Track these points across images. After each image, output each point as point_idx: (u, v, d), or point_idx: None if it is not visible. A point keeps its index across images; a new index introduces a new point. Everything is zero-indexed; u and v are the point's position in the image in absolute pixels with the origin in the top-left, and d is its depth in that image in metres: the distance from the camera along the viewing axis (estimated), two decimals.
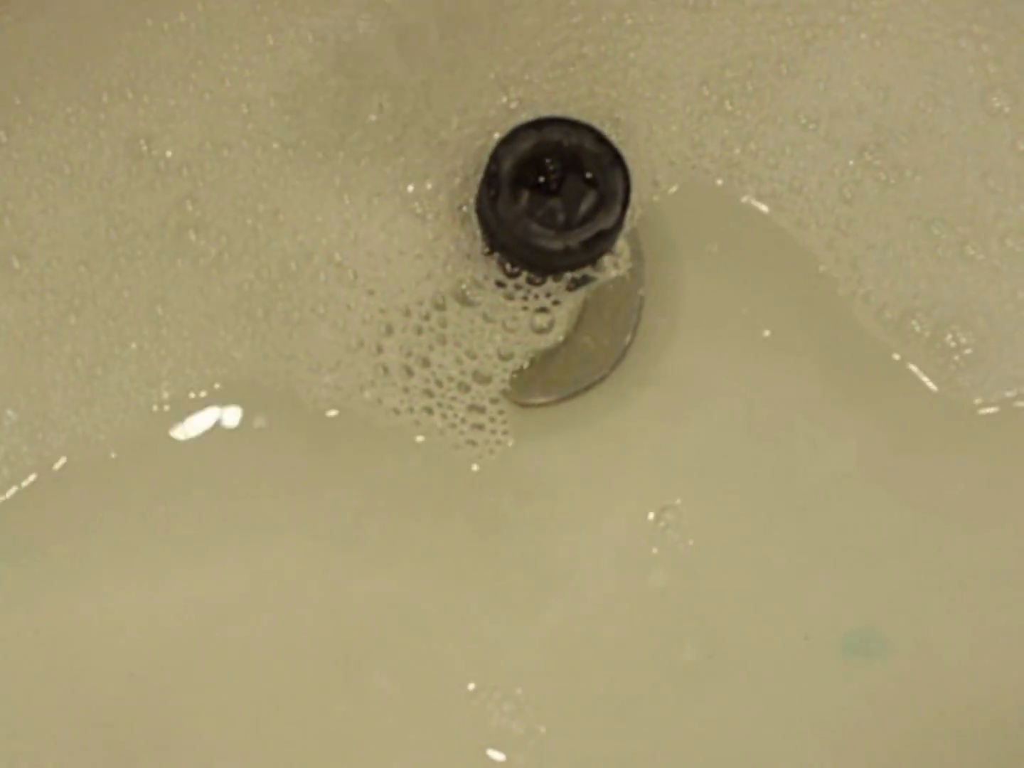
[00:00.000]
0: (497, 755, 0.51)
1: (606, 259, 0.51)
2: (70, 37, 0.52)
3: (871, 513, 0.52)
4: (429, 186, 0.52)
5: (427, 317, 0.51)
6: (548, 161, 0.48)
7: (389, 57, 0.52)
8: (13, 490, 0.50)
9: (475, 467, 0.52)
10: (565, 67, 0.53)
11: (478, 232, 0.50)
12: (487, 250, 0.51)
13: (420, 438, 0.51)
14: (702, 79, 0.53)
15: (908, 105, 0.53)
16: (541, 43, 0.53)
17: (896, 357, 0.52)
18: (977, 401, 0.52)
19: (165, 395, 0.51)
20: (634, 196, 0.49)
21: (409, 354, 0.51)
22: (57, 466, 0.50)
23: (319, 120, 0.52)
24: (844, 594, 0.52)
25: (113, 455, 0.51)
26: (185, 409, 0.51)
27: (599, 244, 0.49)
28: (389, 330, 0.51)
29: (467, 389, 0.51)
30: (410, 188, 0.51)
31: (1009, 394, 0.52)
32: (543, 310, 0.51)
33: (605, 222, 0.48)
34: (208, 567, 0.51)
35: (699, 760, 0.51)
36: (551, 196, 0.48)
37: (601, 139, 0.48)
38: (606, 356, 0.53)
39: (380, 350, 0.51)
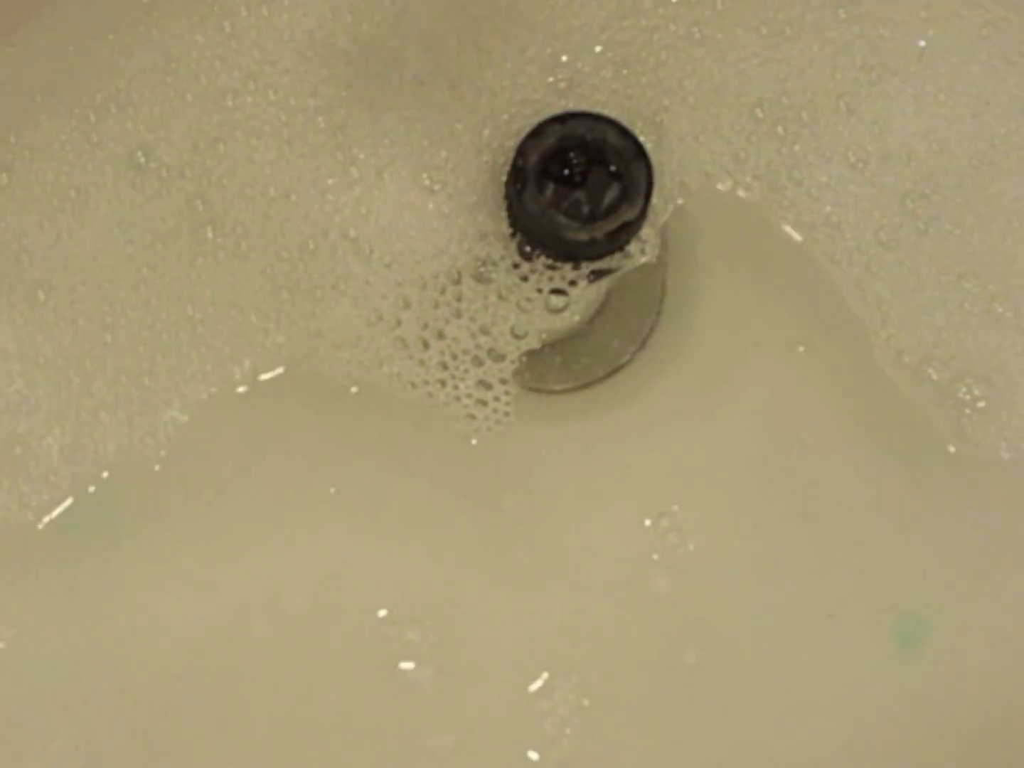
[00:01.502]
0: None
1: (631, 246, 0.51)
2: (49, 67, 0.52)
3: (872, 531, 0.52)
4: (445, 159, 0.52)
5: (443, 291, 0.51)
6: (572, 154, 0.49)
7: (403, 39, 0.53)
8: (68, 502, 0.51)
9: (474, 441, 0.52)
10: (619, 66, 0.53)
11: (501, 213, 0.51)
12: (511, 231, 0.51)
13: (431, 408, 0.52)
14: (758, 101, 0.53)
15: (960, 161, 0.53)
16: (603, 37, 0.53)
17: (909, 400, 0.51)
18: (983, 454, 0.51)
19: (212, 391, 0.52)
20: (665, 198, 0.50)
21: (425, 327, 0.51)
22: (105, 476, 0.51)
23: (310, 101, 0.52)
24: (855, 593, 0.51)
25: (163, 453, 0.51)
26: (230, 403, 0.52)
27: (623, 235, 0.49)
28: (407, 304, 0.51)
29: (480, 363, 0.51)
30: (425, 161, 0.52)
31: (1017, 453, 0.51)
32: (559, 291, 0.51)
33: (629, 213, 0.48)
34: (248, 557, 0.52)
35: (699, 761, 0.51)
36: (576, 188, 0.49)
37: (624, 132, 0.49)
38: (624, 347, 0.54)
39: (399, 323, 0.51)
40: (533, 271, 0.51)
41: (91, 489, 0.51)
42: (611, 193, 0.49)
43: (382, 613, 0.51)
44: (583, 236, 0.48)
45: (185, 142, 0.52)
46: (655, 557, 0.52)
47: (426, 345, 0.51)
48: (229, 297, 0.51)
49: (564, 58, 0.53)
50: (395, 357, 0.51)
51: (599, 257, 0.50)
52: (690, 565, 0.52)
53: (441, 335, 0.51)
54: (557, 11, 0.53)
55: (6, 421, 0.51)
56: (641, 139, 0.49)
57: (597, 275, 0.51)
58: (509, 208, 0.50)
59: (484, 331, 0.51)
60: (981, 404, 0.51)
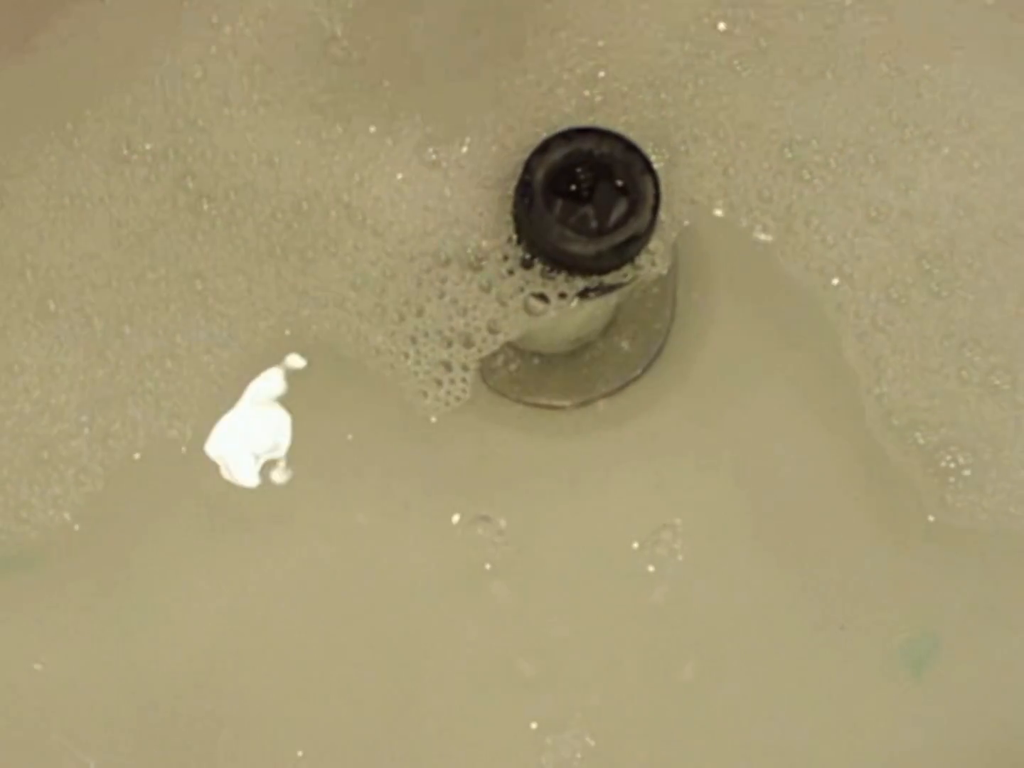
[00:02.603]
0: None
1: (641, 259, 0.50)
2: (19, 89, 0.53)
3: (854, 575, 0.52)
4: (456, 139, 0.52)
5: (429, 270, 0.51)
6: (580, 170, 0.49)
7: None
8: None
9: (433, 419, 0.52)
10: (656, 89, 0.53)
11: (504, 210, 0.51)
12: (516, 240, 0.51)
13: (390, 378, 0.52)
14: (788, 141, 0.53)
15: (984, 229, 0.52)
16: (645, 57, 0.53)
17: (893, 462, 0.51)
18: (961, 522, 0.50)
19: (233, 362, 0.52)
20: (677, 220, 0.50)
21: (406, 302, 0.51)
22: (136, 458, 0.51)
23: (289, 73, 0.53)
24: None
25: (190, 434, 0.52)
26: (252, 370, 0.53)
27: (630, 249, 0.49)
28: (392, 274, 0.52)
29: (449, 345, 0.51)
30: (431, 134, 0.52)
31: (996, 525, 0.50)
32: (541, 296, 0.50)
33: (636, 227, 0.48)
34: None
35: None
36: (583, 203, 0.49)
37: (631, 147, 0.49)
38: (629, 365, 0.54)
39: (383, 291, 0.52)
40: (525, 270, 0.51)
41: (124, 481, 0.51)
42: (619, 208, 0.48)
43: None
44: (590, 250, 0.48)
45: (163, 124, 0.52)
46: (651, 570, 0.52)
47: (402, 317, 0.51)
48: (233, 264, 0.52)
49: (601, 74, 0.53)
50: (371, 322, 0.51)
51: (606, 271, 0.50)
52: (687, 581, 0.52)
53: (420, 312, 0.51)
54: (603, 26, 0.53)
55: (32, 430, 0.51)
56: (653, 158, 0.49)
57: (600, 291, 0.51)
58: (516, 221, 0.50)
59: (461, 314, 0.51)
60: (966, 473, 0.50)
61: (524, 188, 0.49)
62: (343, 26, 0.53)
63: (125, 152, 0.52)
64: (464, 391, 0.51)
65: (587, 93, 0.53)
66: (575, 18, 0.53)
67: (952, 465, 0.50)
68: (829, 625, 0.51)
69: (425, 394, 0.51)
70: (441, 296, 0.51)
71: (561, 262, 0.50)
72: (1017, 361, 0.51)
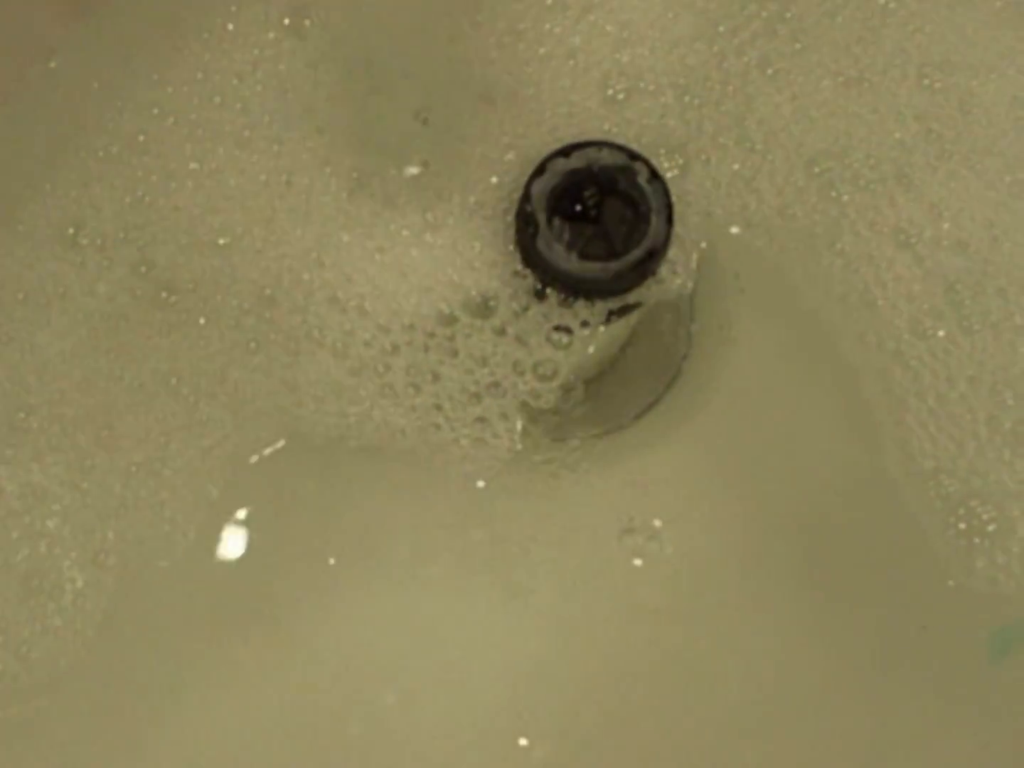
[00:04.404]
0: None
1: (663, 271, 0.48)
2: None
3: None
4: (427, 184, 0.48)
5: (432, 333, 0.48)
6: (583, 188, 0.45)
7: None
8: None
9: (480, 483, 0.48)
10: (681, 91, 0.50)
11: (504, 244, 0.47)
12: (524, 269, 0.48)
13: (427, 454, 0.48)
14: (817, 155, 0.49)
15: (1019, 260, 0.49)
16: (672, 56, 0.50)
17: (911, 510, 0.47)
18: (984, 587, 0.47)
19: (226, 460, 0.48)
20: (695, 236, 0.47)
21: (417, 372, 0.48)
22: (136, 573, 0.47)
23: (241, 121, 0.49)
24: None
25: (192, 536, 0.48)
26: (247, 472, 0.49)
27: (649, 264, 0.46)
28: (393, 349, 0.48)
29: (479, 400, 0.48)
30: (398, 184, 0.48)
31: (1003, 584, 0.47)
32: (564, 328, 0.47)
33: (652, 242, 0.45)
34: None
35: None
36: (592, 224, 0.46)
37: (634, 156, 0.45)
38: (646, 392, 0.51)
39: (388, 369, 0.48)
40: (540, 302, 0.47)
41: (132, 597, 0.47)
42: (630, 223, 0.46)
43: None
44: (606, 273, 0.45)
45: (110, 208, 0.48)
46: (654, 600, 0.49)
47: (418, 389, 0.48)
48: (208, 359, 0.48)
49: (624, 71, 0.49)
50: (384, 405, 0.48)
51: (627, 291, 0.47)
52: (695, 617, 0.49)
53: (436, 377, 0.48)
54: (631, 19, 0.50)
55: (21, 558, 0.47)
56: (665, 166, 0.47)
57: (620, 313, 0.47)
58: (523, 250, 0.47)
59: (481, 364, 0.48)
60: (991, 528, 0.47)
61: (526, 217, 0.45)
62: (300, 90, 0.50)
63: (72, 234, 0.48)
64: (513, 440, 0.48)
65: (609, 92, 0.49)
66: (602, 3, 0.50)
67: (975, 522, 0.47)
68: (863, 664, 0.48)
69: (472, 458, 0.48)
70: (455, 355, 0.47)
71: (578, 289, 0.47)
72: None
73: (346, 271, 0.48)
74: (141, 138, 0.49)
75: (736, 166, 0.49)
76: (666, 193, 0.45)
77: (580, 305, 0.47)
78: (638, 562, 0.48)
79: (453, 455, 0.48)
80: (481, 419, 0.48)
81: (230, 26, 0.49)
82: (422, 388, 0.48)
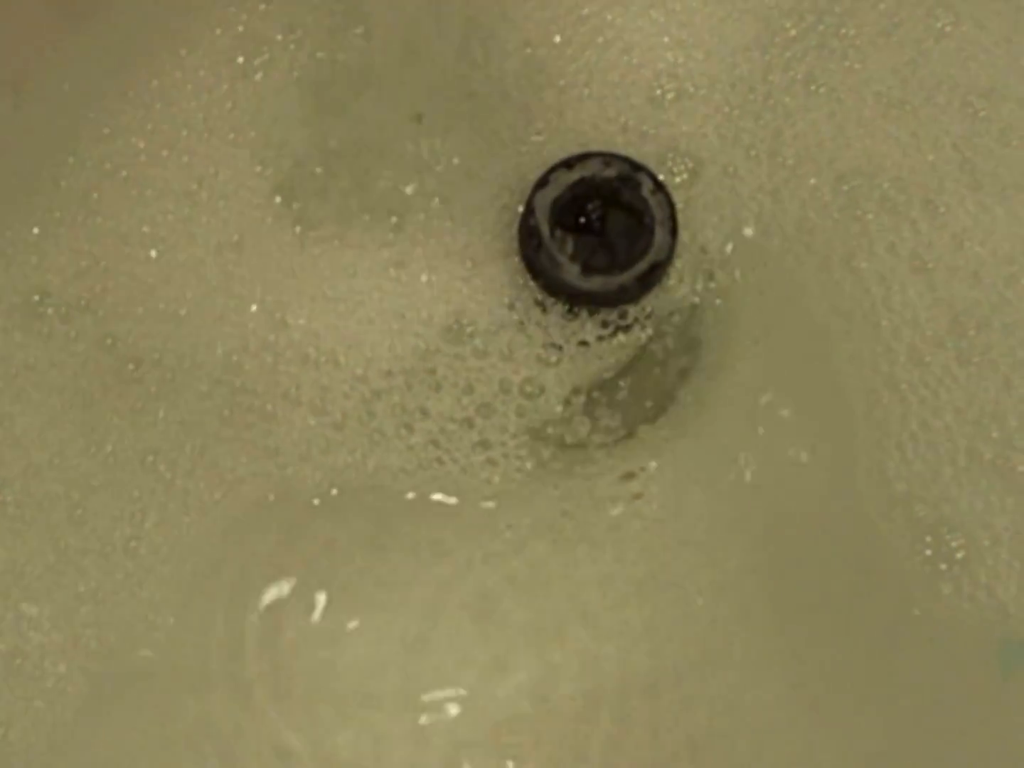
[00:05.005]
0: None
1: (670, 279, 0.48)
2: None
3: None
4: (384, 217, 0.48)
5: (411, 371, 0.48)
6: (586, 200, 0.47)
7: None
8: None
9: (490, 504, 0.48)
10: (724, 97, 0.51)
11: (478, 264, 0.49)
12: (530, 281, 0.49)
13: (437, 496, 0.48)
14: (847, 172, 0.50)
15: None
16: (727, 63, 0.51)
17: (878, 527, 0.48)
18: (935, 603, 0.47)
19: (204, 531, 0.48)
20: (714, 243, 0.49)
21: (404, 412, 0.48)
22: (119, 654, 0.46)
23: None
24: None
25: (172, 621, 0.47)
26: (228, 535, 0.47)
27: (654, 276, 0.47)
28: (374, 395, 0.48)
29: (471, 427, 0.48)
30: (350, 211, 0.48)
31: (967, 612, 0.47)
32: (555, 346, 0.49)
33: (656, 253, 0.47)
34: None
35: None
36: (595, 236, 0.47)
37: (638, 167, 0.46)
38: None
39: (372, 416, 0.48)
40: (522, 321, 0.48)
41: (115, 681, 0.46)
42: (634, 235, 0.47)
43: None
44: (612, 286, 0.47)
45: (71, 270, 0.48)
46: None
47: (410, 429, 0.48)
48: (182, 432, 0.47)
49: (673, 74, 0.51)
50: (378, 453, 0.48)
51: (631, 302, 0.49)
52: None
53: (424, 413, 0.48)
54: (681, 19, 0.51)
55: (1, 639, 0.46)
56: (680, 177, 0.48)
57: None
58: (530, 268, 0.48)
59: (468, 392, 0.48)
60: (959, 555, 0.47)
61: (530, 230, 0.46)
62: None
63: (39, 304, 0.48)
64: (520, 457, 0.48)
65: (657, 92, 0.51)
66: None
67: (944, 549, 0.47)
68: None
69: (489, 481, 0.48)
70: (438, 389, 0.48)
71: (582, 300, 0.48)
72: None
73: (313, 327, 0.48)
74: (95, 196, 0.49)
75: (762, 178, 0.50)
76: (670, 205, 0.47)
77: (566, 321, 0.48)
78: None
79: (464, 484, 0.48)
80: (482, 442, 0.48)
81: (178, 73, 0.49)
82: (414, 427, 0.48)
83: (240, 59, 0.50)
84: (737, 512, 0.49)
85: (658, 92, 0.51)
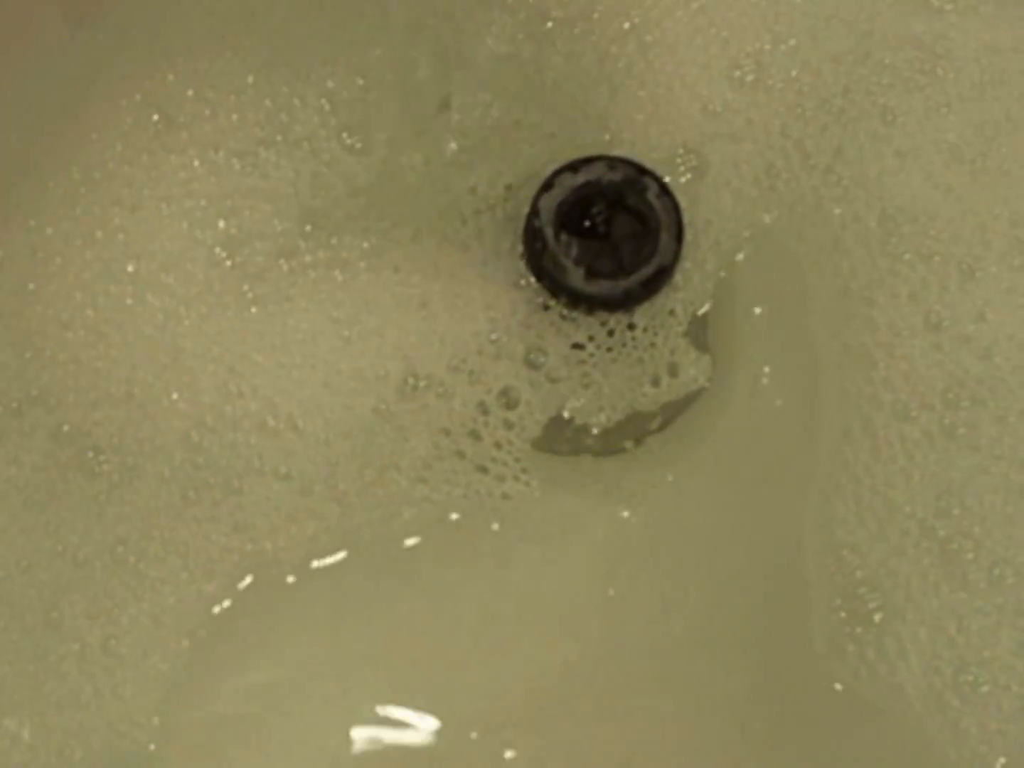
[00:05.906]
0: None
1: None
2: None
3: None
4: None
5: (381, 409, 0.47)
6: (591, 204, 0.46)
7: None
8: None
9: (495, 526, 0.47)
10: (782, 117, 0.49)
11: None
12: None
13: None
14: (894, 213, 0.48)
15: None
16: (795, 88, 0.49)
17: (811, 569, 0.46)
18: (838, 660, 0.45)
19: (189, 626, 0.46)
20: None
21: (388, 454, 0.47)
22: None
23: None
24: None
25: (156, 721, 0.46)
26: (215, 626, 0.46)
27: (658, 281, 0.46)
28: (348, 457, 0.47)
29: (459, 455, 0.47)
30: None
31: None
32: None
33: (662, 258, 0.46)
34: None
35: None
36: (600, 240, 0.46)
37: (643, 171, 0.46)
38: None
39: (359, 474, 0.47)
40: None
41: None
42: (639, 239, 0.46)
43: None
44: (616, 291, 0.46)
45: (16, 363, 0.47)
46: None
47: (397, 468, 0.47)
48: (148, 518, 0.46)
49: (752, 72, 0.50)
50: (362, 512, 0.46)
51: (635, 306, 0.48)
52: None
53: (402, 466, 0.47)
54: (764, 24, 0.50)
55: None
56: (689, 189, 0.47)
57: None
58: (534, 271, 0.47)
59: (448, 417, 0.47)
60: (877, 617, 0.45)
61: (535, 233, 0.46)
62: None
63: None
64: (518, 460, 0.47)
65: (736, 73, 0.49)
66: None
67: (862, 610, 0.45)
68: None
69: (506, 496, 0.47)
70: (406, 439, 0.47)
71: (585, 303, 0.47)
72: (988, 541, 0.45)
73: (267, 394, 0.46)
74: (31, 287, 0.47)
75: (806, 189, 0.48)
76: (676, 209, 0.46)
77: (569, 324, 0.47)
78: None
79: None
80: (480, 468, 0.47)
81: (95, 154, 0.48)
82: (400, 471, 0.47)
83: (158, 124, 0.49)
84: (735, 529, 0.47)
85: (737, 74, 0.50)
